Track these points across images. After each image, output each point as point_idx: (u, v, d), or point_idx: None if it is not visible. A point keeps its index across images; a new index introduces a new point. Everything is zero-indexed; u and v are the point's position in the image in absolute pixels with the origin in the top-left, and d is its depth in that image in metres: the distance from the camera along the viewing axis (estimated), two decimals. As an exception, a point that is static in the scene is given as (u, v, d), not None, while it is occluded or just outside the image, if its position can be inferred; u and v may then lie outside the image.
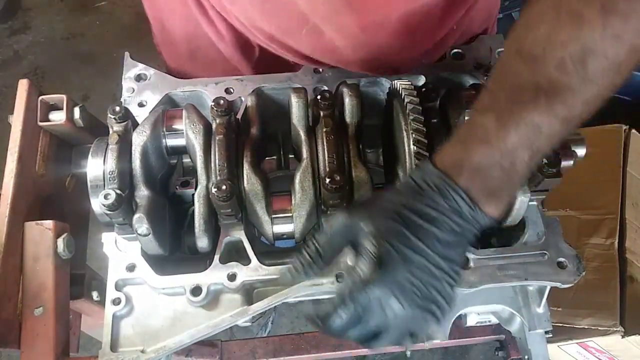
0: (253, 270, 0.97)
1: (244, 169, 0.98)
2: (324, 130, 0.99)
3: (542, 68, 0.72)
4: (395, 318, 0.75)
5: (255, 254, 0.99)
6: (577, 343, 1.85)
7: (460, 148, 0.78)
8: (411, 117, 0.94)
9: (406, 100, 0.96)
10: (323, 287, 0.95)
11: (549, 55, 0.72)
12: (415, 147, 0.92)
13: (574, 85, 0.72)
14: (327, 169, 0.96)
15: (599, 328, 1.75)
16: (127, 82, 1.14)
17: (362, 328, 0.77)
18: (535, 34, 0.74)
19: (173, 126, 1.04)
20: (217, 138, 0.97)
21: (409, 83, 1.00)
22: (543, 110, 0.73)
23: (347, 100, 1.03)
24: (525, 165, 0.76)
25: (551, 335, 1.10)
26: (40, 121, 1.10)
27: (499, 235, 1.06)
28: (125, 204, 0.90)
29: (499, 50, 1.19)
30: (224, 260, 0.98)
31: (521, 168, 0.76)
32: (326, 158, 0.97)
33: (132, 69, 1.16)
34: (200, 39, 1.23)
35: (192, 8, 1.17)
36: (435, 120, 0.99)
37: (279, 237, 1.03)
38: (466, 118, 0.93)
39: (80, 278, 1.15)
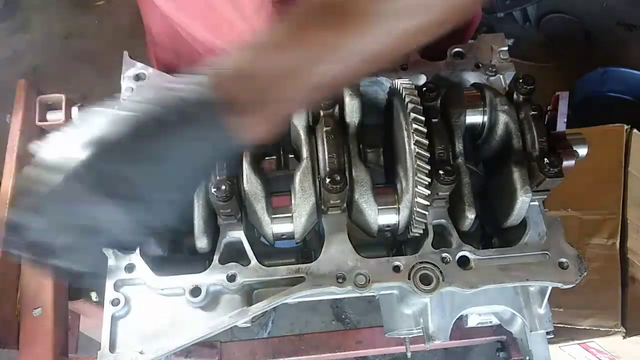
0: (252, 271, 0.96)
1: (244, 168, 0.97)
2: (324, 130, 0.99)
3: None
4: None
5: (254, 255, 0.98)
6: (578, 344, 1.84)
7: (236, 52, 0.72)
8: (412, 117, 0.93)
9: (407, 99, 0.95)
10: (323, 287, 0.94)
11: None
12: (415, 147, 0.92)
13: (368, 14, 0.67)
14: (327, 169, 0.95)
15: (601, 329, 1.74)
16: (126, 82, 1.13)
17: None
18: None
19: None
20: None
21: (410, 82, 0.99)
22: (330, 33, 0.68)
23: (347, 100, 1.03)
24: (289, 86, 0.70)
25: (552, 336, 1.10)
26: (39, 121, 1.10)
27: (500, 235, 1.06)
28: (124, 204, 0.89)
29: (500, 49, 1.18)
30: (223, 261, 0.97)
31: (284, 88, 0.70)
32: (326, 158, 0.96)
33: (131, 68, 1.16)
34: (180, 38, 1.23)
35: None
36: (435, 120, 0.99)
37: (279, 237, 1.03)
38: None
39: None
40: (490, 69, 1.15)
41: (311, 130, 1.02)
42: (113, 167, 0.69)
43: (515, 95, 1.02)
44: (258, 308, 0.95)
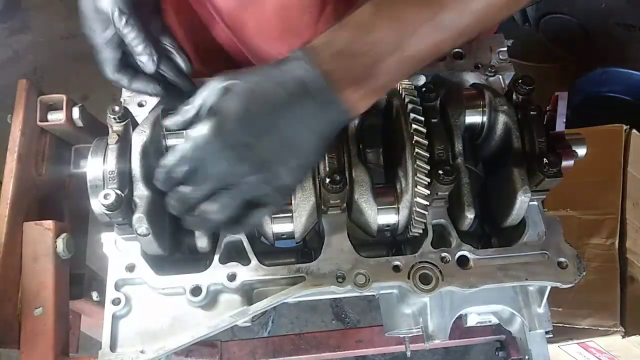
0: (253, 271, 0.97)
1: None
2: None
3: None
4: (230, 175, 0.76)
5: (255, 254, 0.99)
6: (577, 343, 1.84)
7: (335, 30, 0.76)
8: (411, 117, 0.94)
9: (406, 100, 0.96)
10: (323, 287, 0.95)
11: None
12: (415, 147, 0.92)
13: None
14: (327, 169, 0.95)
15: (600, 328, 1.75)
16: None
17: (198, 187, 0.78)
18: None
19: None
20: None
21: (409, 83, 1.00)
22: (416, 7, 0.73)
23: (347, 100, 1.03)
24: (390, 61, 0.75)
25: (552, 336, 1.10)
26: (40, 121, 1.10)
27: (500, 235, 1.06)
28: (124, 204, 0.89)
29: (500, 49, 1.18)
30: (223, 261, 0.98)
31: (386, 63, 0.75)
32: (326, 158, 0.96)
33: (132, 69, 1.16)
34: (197, 28, 1.23)
35: None
36: (435, 120, 0.99)
37: (279, 237, 1.03)
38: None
39: (79, 278, 1.15)
40: (489, 69, 1.16)
41: (311, 131, 1.03)
42: (240, 140, 0.75)
43: (514, 96, 1.02)
44: (258, 307, 0.95)
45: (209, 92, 0.80)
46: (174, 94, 1.00)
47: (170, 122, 0.89)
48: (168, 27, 1.01)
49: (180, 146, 0.78)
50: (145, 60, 0.93)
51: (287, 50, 1.12)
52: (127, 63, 0.95)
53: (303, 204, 0.97)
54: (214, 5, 1.13)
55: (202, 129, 0.75)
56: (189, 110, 0.84)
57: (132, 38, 0.89)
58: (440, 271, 0.95)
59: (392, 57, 0.74)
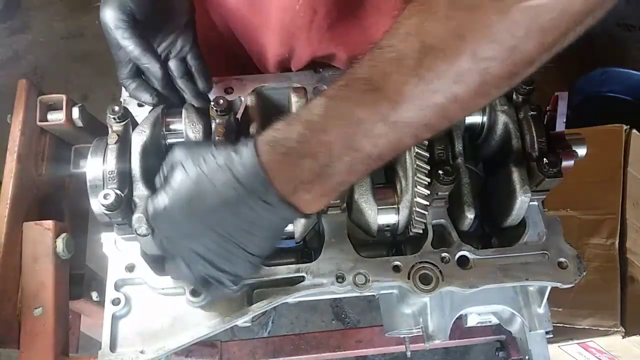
0: (253, 271, 0.96)
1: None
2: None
3: (379, 58, 0.65)
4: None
5: (255, 254, 0.98)
6: (577, 343, 1.85)
7: (286, 125, 0.71)
8: (411, 117, 0.93)
9: (406, 99, 0.95)
10: (323, 287, 0.95)
11: (386, 45, 0.65)
12: (415, 148, 0.92)
13: (406, 84, 0.64)
14: None
15: (600, 328, 1.75)
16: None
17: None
18: (394, 23, 0.66)
19: (172, 126, 1.03)
20: (216, 138, 0.97)
21: (409, 83, 0.99)
22: (367, 106, 0.66)
23: (347, 100, 1.03)
24: (342, 162, 0.69)
25: (552, 336, 1.10)
26: (40, 121, 1.09)
27: (500, 235, 1.06)
28: (124, 204, 0.89)
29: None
30: (223, 261, 0.97)
31: (338, 165, 0.69)
32: None
33: (132, 69, 1.16)
34: (205, 27, 1.23)
35: None
36: (435, 120, 0.99)
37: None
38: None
39: (79, 278, 1.15)
40: (489, 69, 1.16)
41: (311, 131, 1.03)
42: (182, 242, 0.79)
43: (514, 96, 1.02)
44: (258, 307, 0.95)
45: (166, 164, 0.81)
46: (173, 105, 1.03)
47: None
48: (196, 45, 1.04)
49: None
50: (147, 70, 0.96)
51: (287, 51, 1.13)
52: (139, 71, 0.99)
53: (303, 204, 0.97)
54: (219, 2, 1.14)
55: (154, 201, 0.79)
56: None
57: (131, 50, 0.92)
58: (440, 271, 0.95)
59: (346, 157, 0.69)
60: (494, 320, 1.15)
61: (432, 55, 0.62)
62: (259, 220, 0.74)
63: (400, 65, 0.64)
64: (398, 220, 1.00)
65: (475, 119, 1.04)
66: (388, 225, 1.01)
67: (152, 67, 0.95)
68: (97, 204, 0.89)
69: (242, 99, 1.11)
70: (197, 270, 0.80)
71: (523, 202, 0.95)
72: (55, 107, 1.10)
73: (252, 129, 1.03)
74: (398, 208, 0.99)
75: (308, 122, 0.69)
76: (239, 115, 1.07)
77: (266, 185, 0.70)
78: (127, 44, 0.91)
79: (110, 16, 0.89)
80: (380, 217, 0.99)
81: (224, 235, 0.75)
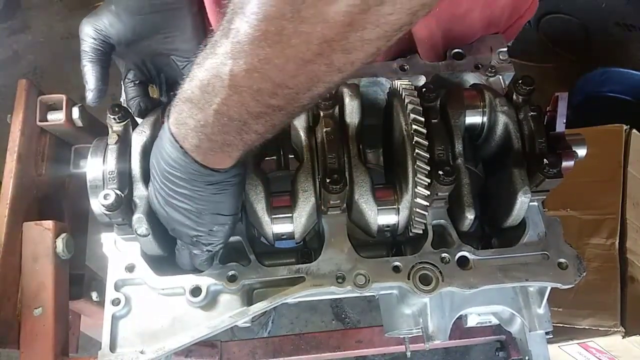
0: (253, 271, 0.96)
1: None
2: (324, 130, 0.99)
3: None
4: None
5: (255, 255, 0.99)
6: (577, 343, 1.85)
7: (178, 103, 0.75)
8: (411, 118, 0.94)
9: (406, 100, 0.95)
10: (323, 288, 0.95)
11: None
12: (415, 148, 0.92)
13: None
14: (327, 169, 0.95)
15: (600, 328, 1.75)
16: (127, 82, 1.13)
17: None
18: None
19: (173, 126, 1.03)
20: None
21: (409, 83, 0.99)
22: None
23: (347, 100, 1.03)
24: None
25: (552, 336, 1.10)
26: (40, 121, 1.10)
27: (500, 235, 1.06)
28: (124, 205, 0.89)
29: (500, 49, 1.18)
30: (223, 261, 0.98)
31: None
32: (326, 158, 0.96)
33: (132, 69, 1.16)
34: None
35: None
36: (435, 121, 0.99)
37: (279, 237, 1.03)
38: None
39: (79, 278, 1.15)
40: (489, 69, 1.16)
41: (311, 131, 1.03)
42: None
43: (514, 96, 1.02)
44: (258, 308, 0.95)
45: None
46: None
47: None
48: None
49: None
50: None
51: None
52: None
53: (303, 204, 0.97)
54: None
55: None
56: None
57: (83, 74, 1.06)
58: (440, 272, 0.95)
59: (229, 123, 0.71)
60: (494, 321, 1.15)
61: None
62: (196, 190, 0.80)
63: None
64: (398, 221, 1.00)
65: (475, 119, 1.04)
66: (388, 226, 1.01)
67: (91, 99, 1.01)
68: (97, 204, 0.89)
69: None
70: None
71: (523, 202, 0.95)
72: (55, 107, 1.11)
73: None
74: (398, 208, 0.99)
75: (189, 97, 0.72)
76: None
77: (184, 155, 0.76)
78: (84, 69, 1.03)
79: (84, 33, 1.01)
80: (380, 218, 0.99)
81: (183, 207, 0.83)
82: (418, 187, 0.92)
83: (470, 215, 0.97)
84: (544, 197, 1.00)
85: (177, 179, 0.79)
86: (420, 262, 0.96)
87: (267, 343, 1.67)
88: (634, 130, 2.08)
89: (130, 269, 0.97)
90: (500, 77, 1.16)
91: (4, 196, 1.05)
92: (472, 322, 1.15)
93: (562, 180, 0.93)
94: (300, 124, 1.02)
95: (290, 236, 1.02)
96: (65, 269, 1.07)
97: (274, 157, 1.22)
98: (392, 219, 1.00)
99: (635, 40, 3.33)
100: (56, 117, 1.09)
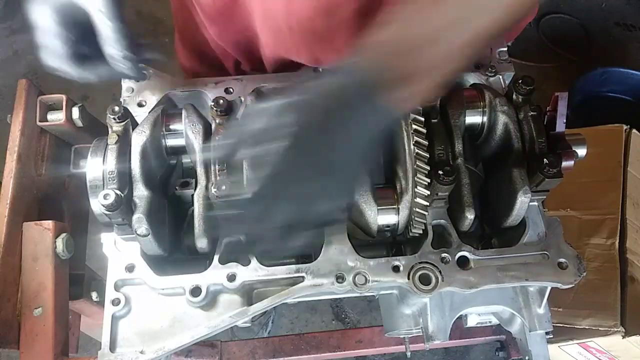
0: (253, 271, 0.96)
1: (244, 169, 0.97)
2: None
3: None
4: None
5: (254, 255, 0.98)
6: (577, 343, 1.84)
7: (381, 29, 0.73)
8: (411, 117, 0.93)
9: (406, 100, 0.95)
10: (323, 287, 0.95)
11: None
12: (415, 148, 0.92)
13: None
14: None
15: (600, 328, 1.75)
16: (127, 82, 1.14)
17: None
18: None
19: (172, 126, 1.03)
20: (216, 138, 0.97)
21: (409, 83, 0.99)
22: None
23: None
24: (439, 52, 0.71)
25: (552, 336, 1.10)
26: (40, 121, 1.09)
27: (500, 235, 1.06)
28: (124, 205, 0.89)
29: (500, 49, 1.18)
30: (223, 261, 0.97)
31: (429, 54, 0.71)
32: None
33: (132, 69, 1.16)
34: (199, 35, 1.24)
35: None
36: (435, 120, 0.99)
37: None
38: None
39: (79, 278, 1.15)
40: (489, 69, 1.16)
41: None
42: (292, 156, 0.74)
43: (514, 96, 1.02)
44: (258, 308, 0.95)
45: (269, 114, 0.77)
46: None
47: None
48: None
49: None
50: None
51: (283, 55, 1.13)
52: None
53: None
54: (202, 8, 1.15)
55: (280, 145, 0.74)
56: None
57: None
58: (440, 272, 0.95)
59: (438, 48, 0.71)
60: (494, 321, 1.15)
61: None
62: (365, 124, 0.74)
63: None
64: (398, 221, 1.00)
65: (475, 119, 1.04)
66: (388, 226, 1.01)
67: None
68: (97, 204, 0.89)
69: (242, 99, 1.11)
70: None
71: (523, 202, 0.95)
72: (55, 107, 1.10)
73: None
74: (398, 208, 0.99)
75: (399, 19, 0.72)
76: (239, 116, 1.07)
77: (369, 81, 0.71)
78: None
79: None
80: (380, 218, 0.99)
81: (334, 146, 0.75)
82: (418, 187, 0.92)
83: (470, 215, 0.97)
84: (544, 197, 1.00)
85: None
86: (420, 262, 0.96)
87: (267, 343, 1.67)
88: (634, 130, 2.08)
89: (130, 269, 0.97)
90: (500, 77, 1.16)
91: (4, 196, 1.05)
92: (472, 322, 1.15)
93: (562, 180, 0.93)
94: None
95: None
96: (65, 269, 1.07)
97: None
98: (392, 219, 1.00)
99: (635, 40, 3.32)
100: (56, 117, 1.09)
